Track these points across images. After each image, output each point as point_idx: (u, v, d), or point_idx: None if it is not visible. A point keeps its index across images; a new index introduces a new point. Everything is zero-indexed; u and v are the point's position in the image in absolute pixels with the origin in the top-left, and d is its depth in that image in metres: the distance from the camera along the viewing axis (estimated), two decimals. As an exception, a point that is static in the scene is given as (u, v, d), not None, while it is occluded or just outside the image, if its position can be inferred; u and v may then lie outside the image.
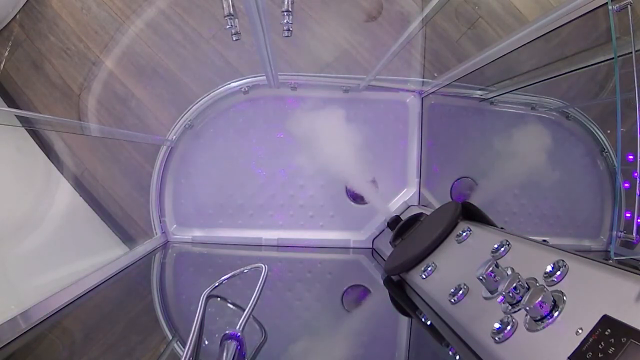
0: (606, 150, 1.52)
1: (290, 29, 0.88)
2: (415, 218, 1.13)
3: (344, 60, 1.56)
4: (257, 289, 0.85)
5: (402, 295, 0.93)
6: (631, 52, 0.76)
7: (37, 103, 1.68)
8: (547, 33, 0.84)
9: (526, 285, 0.56)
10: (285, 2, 0.84)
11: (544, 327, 0.50)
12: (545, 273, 0.56)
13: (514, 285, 0.56)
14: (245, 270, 0.99)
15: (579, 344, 0.44)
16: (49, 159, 1.62)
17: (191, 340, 0.67)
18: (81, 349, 0.85)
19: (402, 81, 1.46)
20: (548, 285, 0.54)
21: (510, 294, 0.56)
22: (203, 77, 1.59)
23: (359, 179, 1.35)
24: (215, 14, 1.60)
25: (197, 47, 1.61)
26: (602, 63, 1.06)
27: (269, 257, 1.42)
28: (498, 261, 0.68)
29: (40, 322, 0.86)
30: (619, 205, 0.82)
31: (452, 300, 0.71)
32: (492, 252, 0.71)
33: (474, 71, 1.18)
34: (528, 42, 0.91)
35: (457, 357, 0.66)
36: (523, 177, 1.46)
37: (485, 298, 0.64)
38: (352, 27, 1.58)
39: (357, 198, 1.46)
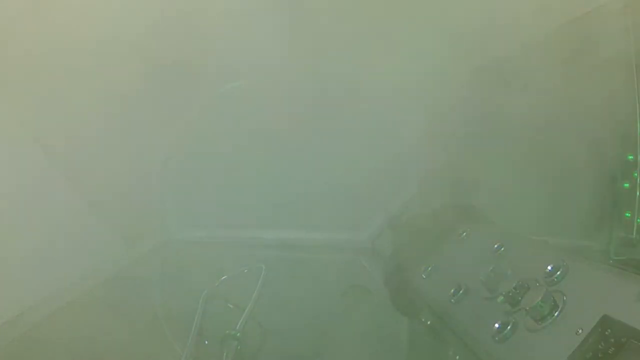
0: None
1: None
2: (416, 218, 1.13)
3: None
4: (257, 289, 0.85)
5: (402, 295, 0.93)
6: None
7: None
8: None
9: (526, 285, 0.56)
10: None
11: (544, 327, 0.50)
12: (545, 273, 0.56)
13: (514, 285, 0.56)
14: (246, 270, 0.99)
15: (578, 343, 0.44)
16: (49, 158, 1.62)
17: (191, 340, 0.67)
18: (81, 349, 0.86)
19: (402, 81, 1.46)
20: (548, 285, 0.54)
21: (510, 294, 0.56)
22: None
23: (359, 179, 1.35)
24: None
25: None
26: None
27: (269, 257, 1.42)
28: (498, 261, 0.68)
29: (40, 322, 0.86)
30: (619, 205, 0.82)
31: (452, 300, 0.71)
32: (492, 252, 0.71)
33: (473, 71, 1.18)
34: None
35: (457, 357, 0.66)
36: (523, 177, 1.46)
37: (485, 298, 0.64)
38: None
39: (357, 198, 1.46)
